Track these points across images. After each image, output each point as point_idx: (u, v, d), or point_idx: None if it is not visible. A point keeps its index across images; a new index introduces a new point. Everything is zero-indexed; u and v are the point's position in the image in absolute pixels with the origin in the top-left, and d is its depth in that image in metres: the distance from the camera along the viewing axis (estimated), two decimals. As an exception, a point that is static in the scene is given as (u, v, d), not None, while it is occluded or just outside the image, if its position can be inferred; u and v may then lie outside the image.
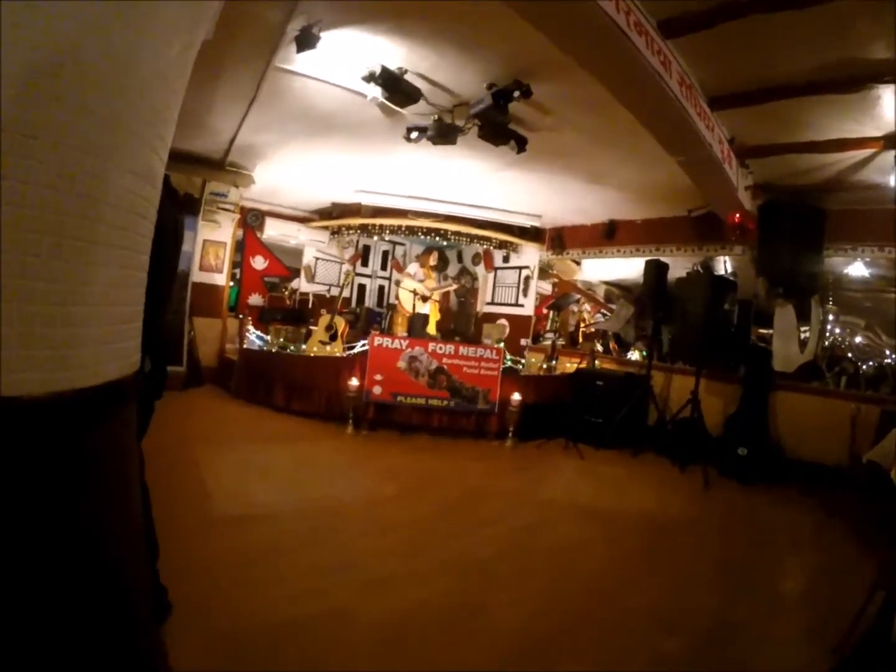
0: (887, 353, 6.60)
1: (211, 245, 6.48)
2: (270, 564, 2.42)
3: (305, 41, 3.10)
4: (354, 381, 4.98)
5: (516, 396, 5.22)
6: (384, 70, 3.39)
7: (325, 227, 8.09)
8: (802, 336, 5.67)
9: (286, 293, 8.44)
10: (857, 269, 5.87)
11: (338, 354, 5.79)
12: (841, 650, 2.04)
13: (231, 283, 7.67)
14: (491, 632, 2.08)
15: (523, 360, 6.65)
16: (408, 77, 3.55)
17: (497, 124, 3.90)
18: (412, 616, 2.13)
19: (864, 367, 6.09)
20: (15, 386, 0.88)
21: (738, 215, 4.86)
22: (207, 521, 2.80)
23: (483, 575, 2.58)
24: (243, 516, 2.93)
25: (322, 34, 3.11)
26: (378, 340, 5.22)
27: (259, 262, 7.46)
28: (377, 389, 5.11)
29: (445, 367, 5.24)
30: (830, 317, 6.17)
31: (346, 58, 3.45)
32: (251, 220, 7.69)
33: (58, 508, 0.91)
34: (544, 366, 6.68)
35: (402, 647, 1.92)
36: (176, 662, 1.52)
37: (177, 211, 1.74)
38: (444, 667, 1.84)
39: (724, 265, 6.89)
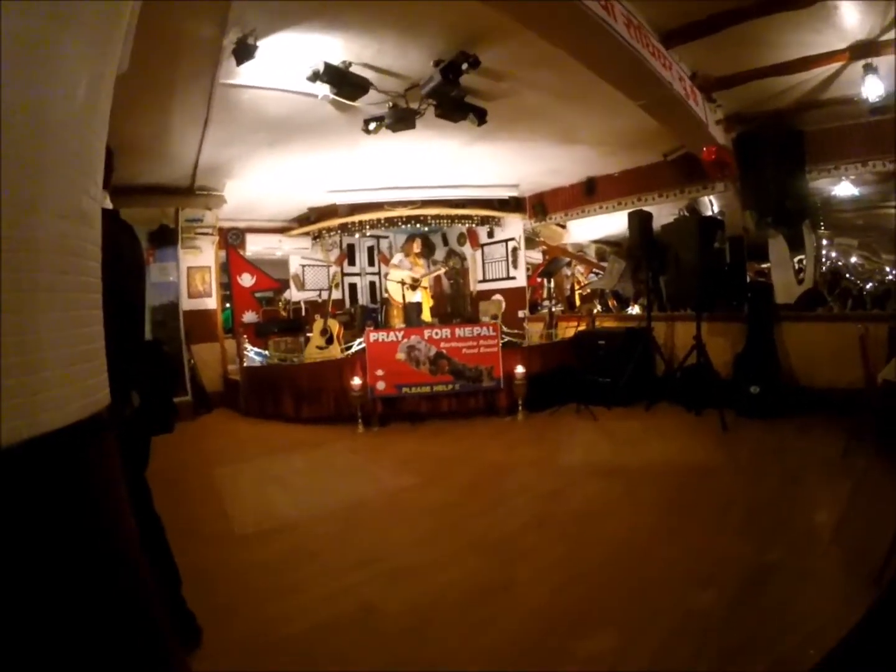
0: (887, 269, 6.46)
1: (196, 271, 6.49)
2: (295, 571, 2.46)
3: (243, 53, 3.05)
4: (357, 380, 4.99)
5: (520, 369, 5.22)
6: (328, 66, 3.33)
7: (306, 234, 8.09)
8: (799, 265, 5.59)
9: (281, 305, 8.47)
10: (845, 189, 5.74)
11: (337, 357, 5.81)
12: (880, 580, 1.94)
13: (228, 305, 7.71)
14: (517, 609, 2.06)
15: (525, 333, 6.62)
16: (353, 69, 3.49)
17: (452, 100, 3.83)
18: (436, 603, 2.13)
19: (868, 286, 5.97)
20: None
21: (713, 151, 4.76)
22: (230, 539, 2.85)
23: (506, 551, 2.55)
24: (265, 529, 2.97)
25: (259, 43, 3.07)
26: (374, 336, 5.23)
27: (247, 280, 7.45)
28: (381, 384, 5.13)
29: (444, 351, 5.23)
30: (824, 241, 6.04)
31: (288, 61, 3.40)
32: (232, 239, 7.68)
33: (38, 557, 0.92)
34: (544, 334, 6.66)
35: (427, 635, 1.93)
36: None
37: (131, 240, 1.73)
38: (471, 650, 1.83)
39: (710, 205, 6.78)
